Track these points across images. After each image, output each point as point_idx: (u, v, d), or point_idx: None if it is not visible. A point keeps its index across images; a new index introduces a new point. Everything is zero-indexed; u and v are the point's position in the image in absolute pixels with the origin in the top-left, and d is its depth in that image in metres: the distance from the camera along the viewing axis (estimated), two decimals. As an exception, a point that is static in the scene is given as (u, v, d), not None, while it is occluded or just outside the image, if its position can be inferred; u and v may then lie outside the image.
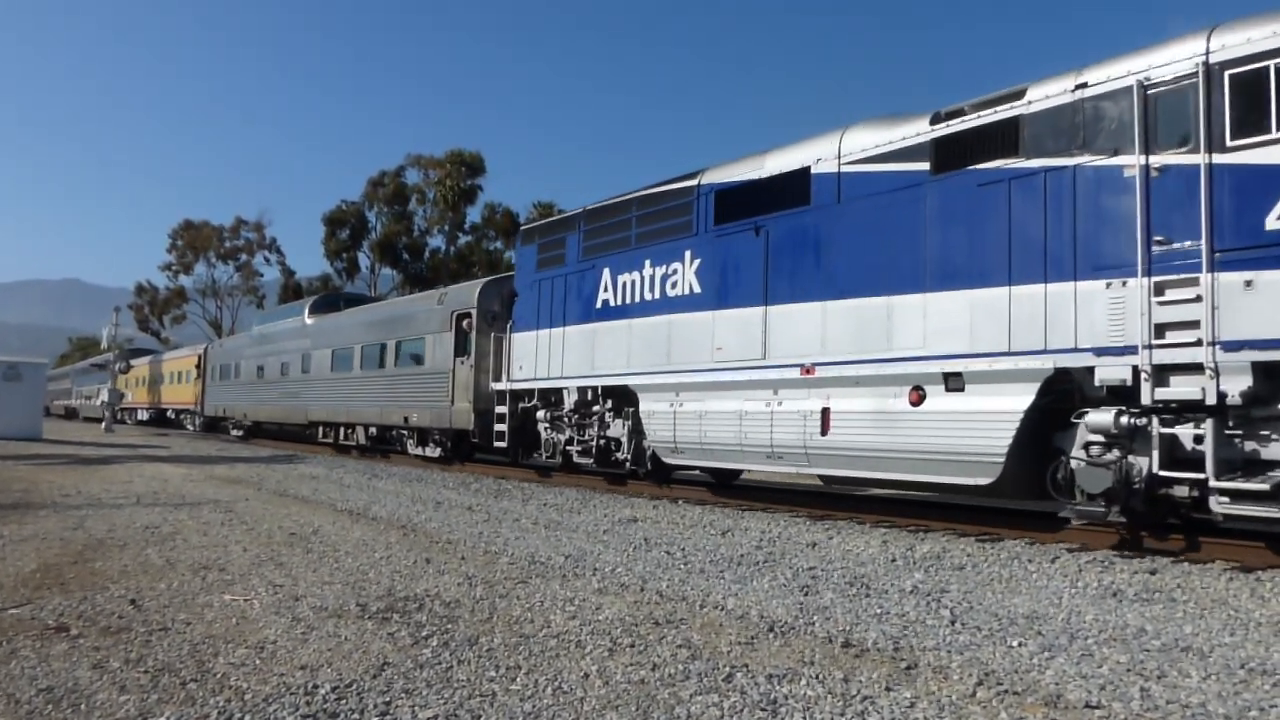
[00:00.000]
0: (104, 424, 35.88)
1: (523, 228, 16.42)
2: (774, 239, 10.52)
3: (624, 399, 12.82)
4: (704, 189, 11.70)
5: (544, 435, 14.48)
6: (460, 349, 16.86)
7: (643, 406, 12.28)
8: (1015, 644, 4.72)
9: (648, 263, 12.39)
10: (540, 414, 14.52)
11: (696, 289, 11.56)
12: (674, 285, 11.90)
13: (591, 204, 14.07)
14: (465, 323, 16.75)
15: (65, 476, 14.41)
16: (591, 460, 13.51)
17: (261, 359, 27.96)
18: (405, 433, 19.42)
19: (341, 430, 22.85)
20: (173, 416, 40.14)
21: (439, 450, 18.21)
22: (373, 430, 21.06)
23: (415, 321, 18.85)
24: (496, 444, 15.47)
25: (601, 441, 13.31)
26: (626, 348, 12.60)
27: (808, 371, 9.91)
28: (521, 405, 15.11)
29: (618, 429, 12.99)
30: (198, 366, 35.09)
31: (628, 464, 12.89)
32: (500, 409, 15.45)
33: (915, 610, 5.51)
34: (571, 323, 13.86)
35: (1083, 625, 5.17)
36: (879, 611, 5.47)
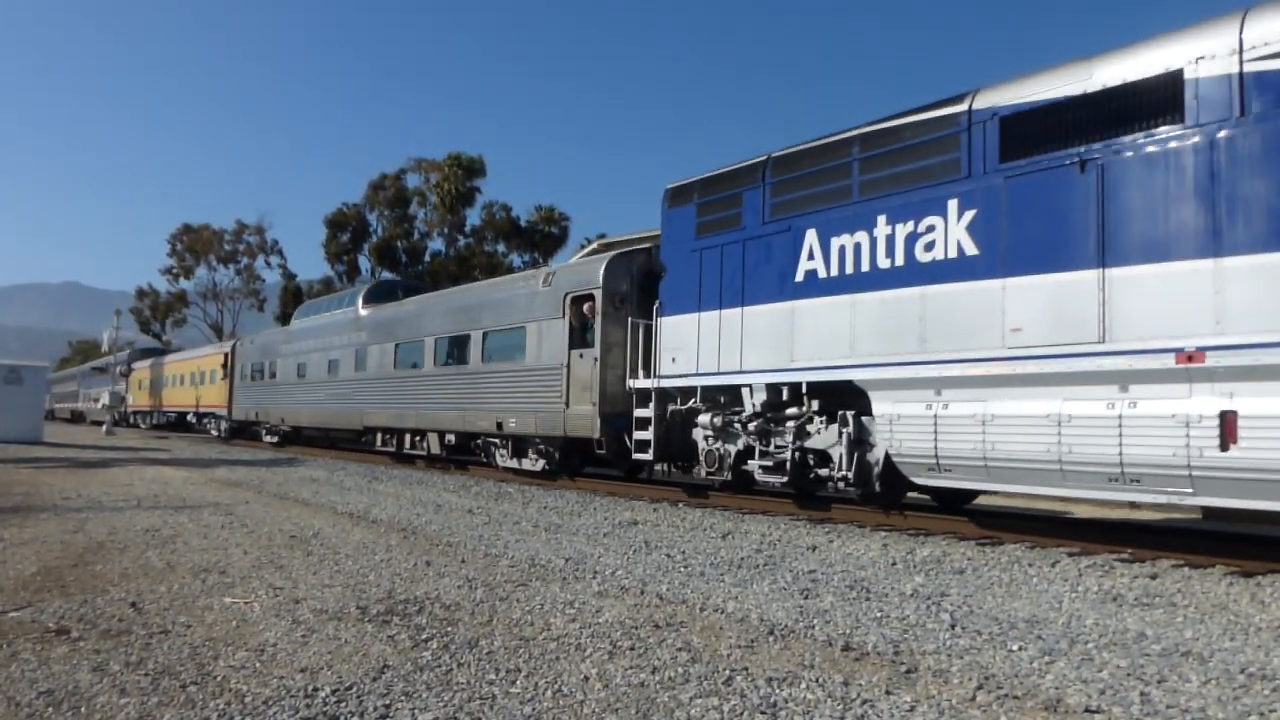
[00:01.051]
0: (105, 427, 35.88)
1: (671, 186, 12.73)
2: (1113, 175, 7.76)
3: (838, 398, 10.08)
4: (979, 116, 8.89)
5: (704, 446, 11.77)
6: (578, 339, 13.77)
7: (878, 408, 9.42)
8: (1015, 648, 4.72)
9: (882, 219, 9.51)
10: (704, 419, 11.72)
11: (970, 250, 8.75)
12: (929, 247, 9.10)
13: (781, 149, 11.12)
14: (586, 307, 13.64)
15: (66, 479, 14.41)
16: (784, 478, 10.66)
17: (303, 356, 24.48)
18: (496, 441, 16.25)
19: (407, 438, 19.60)
20: (194, 421, 36.32)
21: (542, 462, 15.06)
22: (450, 438, 17.74)
23: (512, 308, 15.61)
24: (637, 455, 12.57)
25: (797, 454, 10.53)
26: (848, 331, 9.74)
27: (1189, 358, 7.12)
28: (672, 408, 12.29)
29: (827, 438, 10.15)
30: (224, 365, 31.63)
31: (843, 484, 10.00)
32: (641, 412, 12.49)
33: (915, 614, 5.51)
34: (755, 301, 10.93)
35: (1083, 629, 5.17)
36: (879, 615, 5.47)
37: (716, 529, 9.52)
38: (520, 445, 15.63)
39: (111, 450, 24.00)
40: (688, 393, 12.08)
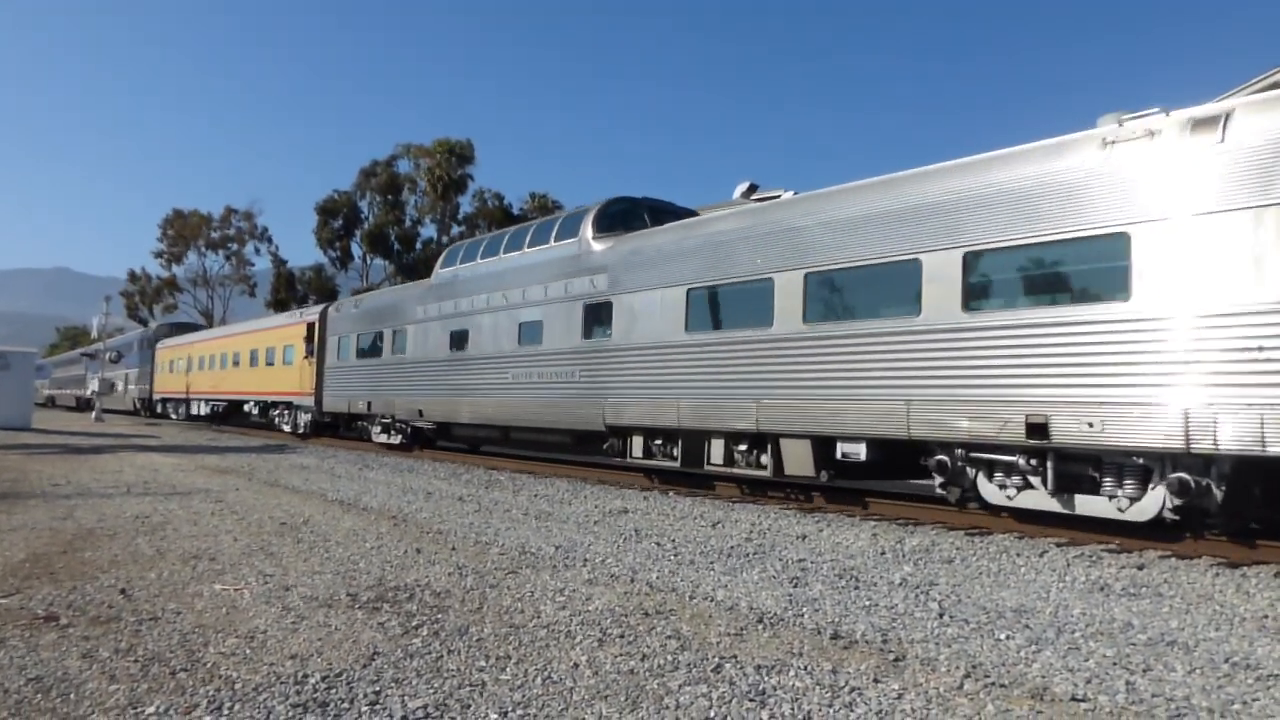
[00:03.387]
0: (94, 414, 35.68)
1: None
2: None
3: None
4: None
5: None
6: None
7: None
8: (1003, 637, 4.76)
9: None
10: None
11: None
12: None
13: None
14: None
15: (55, 466, 14.35)
16: None
17: (462, 320, 17.01)
18: (1007, 460, 8.50)
19: (714, 445, 11.70)
20: (254, 411, 28.09)
21: (1164, 500, 7.44)
22: (856, 451, 9.82)
23: (1045, 202, 8.19)
24: None
25: None
26: None
27: None
28: None
29: None
30: (307, 339, 23.66)
31: None
32: None
33: (904, 603, 5.54)
34: None
35: (1070, 619, 5.21)
36: (868, 604, 5.50)
37: (707, 518, 9.54)
38: (1067, 465, 8.22)
39: (101, 437, 23.90)
40: None
